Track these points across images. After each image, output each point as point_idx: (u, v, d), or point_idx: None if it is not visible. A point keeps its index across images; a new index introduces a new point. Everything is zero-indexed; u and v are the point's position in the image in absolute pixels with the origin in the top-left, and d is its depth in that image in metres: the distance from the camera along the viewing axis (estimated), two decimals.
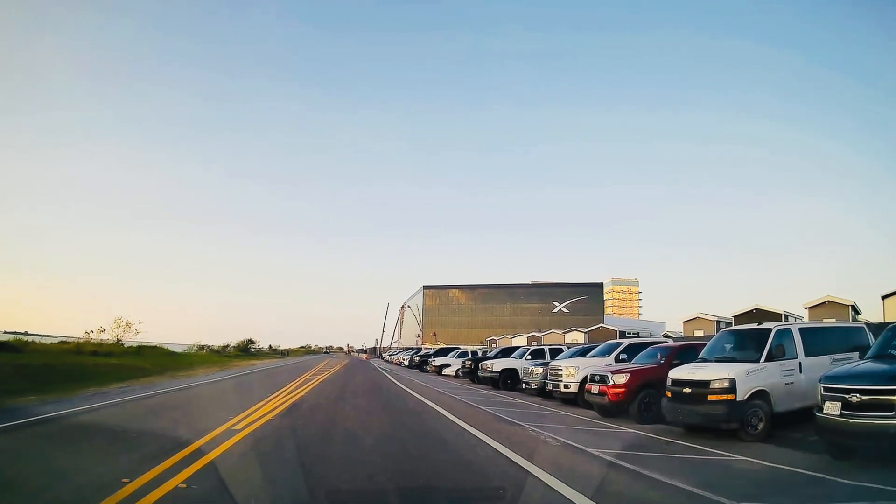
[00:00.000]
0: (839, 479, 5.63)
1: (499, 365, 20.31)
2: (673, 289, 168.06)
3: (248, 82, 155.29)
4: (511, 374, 19.99)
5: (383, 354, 79.69)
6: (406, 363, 42.04)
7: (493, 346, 71.11)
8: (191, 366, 32.28)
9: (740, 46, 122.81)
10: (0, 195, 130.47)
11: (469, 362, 23.71)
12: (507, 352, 23.47)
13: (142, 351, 36.07)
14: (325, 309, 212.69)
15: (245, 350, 56.03)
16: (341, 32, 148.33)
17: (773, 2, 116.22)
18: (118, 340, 37.90)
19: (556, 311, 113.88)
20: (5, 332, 37.53)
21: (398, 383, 22.16)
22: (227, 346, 57.54)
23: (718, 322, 49.82)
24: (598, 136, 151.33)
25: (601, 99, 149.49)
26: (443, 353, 34.29)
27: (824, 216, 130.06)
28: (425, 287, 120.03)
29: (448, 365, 30.08)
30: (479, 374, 21.16)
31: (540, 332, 66.25)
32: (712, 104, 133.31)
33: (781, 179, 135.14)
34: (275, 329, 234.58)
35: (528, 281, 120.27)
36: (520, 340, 69.44)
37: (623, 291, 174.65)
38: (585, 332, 57.82)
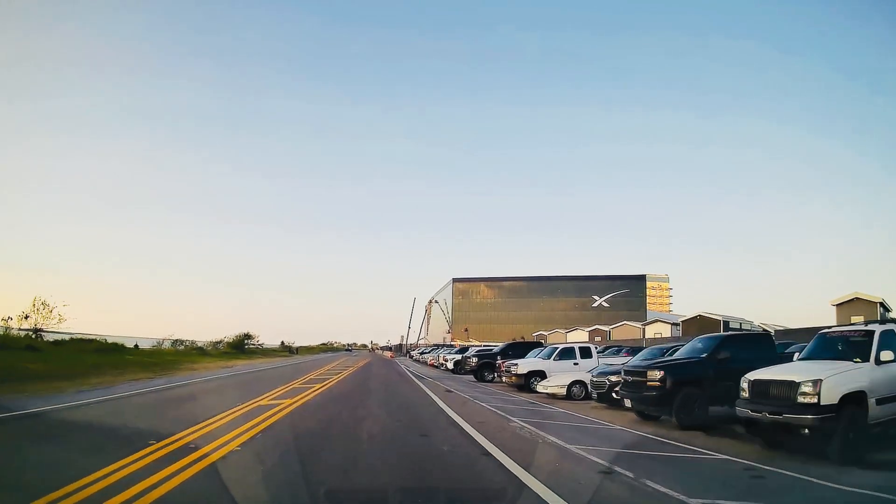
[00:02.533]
0: None
1: (836, 387, 5.57)
2: (695, 285, 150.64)
3: (264, 80, 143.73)
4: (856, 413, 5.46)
5: (412, 352, 63.62)
6: (448, 365, 27.28)
7: (544, 342, 56.23)
8: (96, 371, 18.37)
9: (746, 47, 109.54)
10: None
11: (666, 377, 8.55)
12: (755, 346, 8.79)
13: (48, 347, 22.70)
14: (350, 306, 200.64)
15: (239, 347, 42.46)
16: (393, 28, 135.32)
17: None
18: (36, 330, 24.87)
19: (595, 305, 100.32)
20: None
21: (487, 444, 7.43)
22: (220, 341, 44.28)
23: (882, 304, 34.11)
24: (614, 137, 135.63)
25: (613, 100, 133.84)
26: (516, 350, 19.57)
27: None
28: (455, 280, 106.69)
29: (540, 375, 15.39)
30: (778, 416, 6.17)
31: (608, 325, 51.03)
32: (719, 107, 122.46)
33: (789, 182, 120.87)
34: (298, 326, 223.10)
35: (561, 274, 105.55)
36: (578, 335, 54.32)
37: (654, 287, 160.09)
38: (675, 324, 42.56)
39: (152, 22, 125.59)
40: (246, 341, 44.79)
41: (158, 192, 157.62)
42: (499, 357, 19.38)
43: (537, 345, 20.41)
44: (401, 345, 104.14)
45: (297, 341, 76.19)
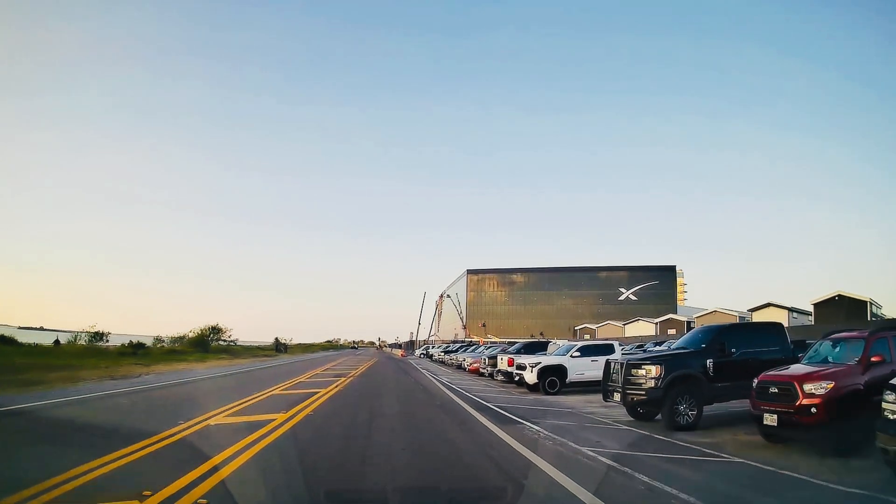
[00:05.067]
0: None
1: None
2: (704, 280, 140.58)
3: (265, 80, 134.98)
4: None
5: (431, 350, 47.63)
6: (528, 377, 13.96)
7: (587, 338, 44.18)
8: None
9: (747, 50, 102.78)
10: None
11: None
12: None
13: None
14: (355, 304, 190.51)
15: (201, 344, 30.60)
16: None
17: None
18: None
19: (622, 298, 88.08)
20: None
21: None
22: (183, 337, 32.59)
23: None
24: (624, 141, 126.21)
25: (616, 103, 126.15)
26: (738, 340, 7.47)
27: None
28: (469, 272, 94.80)
29: None
30: None
31: (684, 316, 38.74)
32: (722, 111, 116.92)
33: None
34: (305, 326, 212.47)
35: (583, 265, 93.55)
36: (640, 328, 42.14)
37: None
38: (793, 310, 30.33)
39: (148, 21, 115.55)
40: (213, 337, 32.78)
41: (159, 192, 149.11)
42: (709, 363, 7.26)
43: (773, 328, 8.23)
44: (411, 342, 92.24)
45: (303, 339, 64.67)
